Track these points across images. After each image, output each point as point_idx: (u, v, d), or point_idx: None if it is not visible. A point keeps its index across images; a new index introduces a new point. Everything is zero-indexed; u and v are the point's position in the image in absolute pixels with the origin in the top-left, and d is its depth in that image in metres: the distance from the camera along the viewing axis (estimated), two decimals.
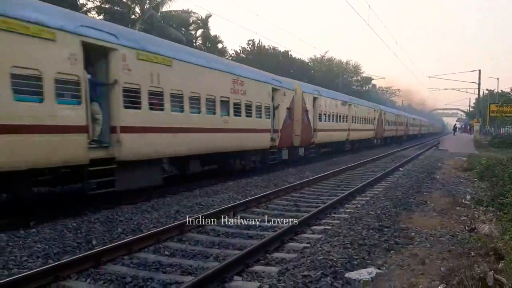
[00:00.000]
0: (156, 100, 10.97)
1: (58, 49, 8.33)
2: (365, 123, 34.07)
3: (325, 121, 24.57)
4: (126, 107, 9.96)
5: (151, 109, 10.76)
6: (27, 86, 7.80)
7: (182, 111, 12.00)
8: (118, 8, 31.87)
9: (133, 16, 32.49)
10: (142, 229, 8.00)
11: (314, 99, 22.74)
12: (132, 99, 10.13)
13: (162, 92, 11.12)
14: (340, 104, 27.45)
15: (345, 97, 30.33)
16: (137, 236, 7.13)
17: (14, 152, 7.61)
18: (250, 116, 15.91)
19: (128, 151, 9.94)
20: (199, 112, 12.73)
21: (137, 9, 33.25)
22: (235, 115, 14.76)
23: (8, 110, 7.47)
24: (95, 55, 9.60)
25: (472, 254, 6.05)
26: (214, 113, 13.53)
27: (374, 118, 36.89)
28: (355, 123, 30.72)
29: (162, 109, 11.16)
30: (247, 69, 17.35)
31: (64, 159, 8.55)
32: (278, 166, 18.67)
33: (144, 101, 10.52)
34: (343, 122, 27.85)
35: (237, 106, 14.92)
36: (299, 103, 20.67)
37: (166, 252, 6.80)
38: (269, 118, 17.54)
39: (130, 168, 10.20)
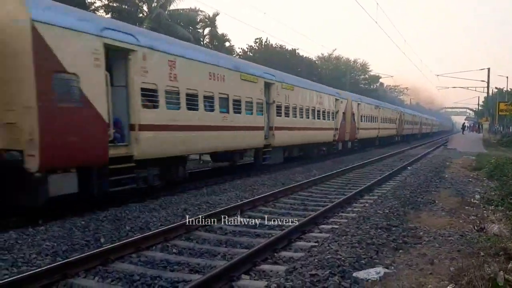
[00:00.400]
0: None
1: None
2: (390, 123, 40.14)
3: (365, 121, 31.71)
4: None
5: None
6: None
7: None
8: (126, 7, 31.95)
9: (140, 15, 32.57)
10: (150, 227, 8.03)
11: (358, 105, 29.92)
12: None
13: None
14: (374, 108, 34.72)
15: (376, 102, 37.60)
16: (145, 234, 7.15)
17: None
18: (325, 119, 23.92)
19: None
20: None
21: (145, 8, 33.31)
22: (317, 118, 22.76)
23: None
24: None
25: (482, 254, 6.00)
26: (302, 117, 20.86)
27: (396, 119, 42.56)
28: (383, 122, 37.39)
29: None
30: (321, 87, 25.57)
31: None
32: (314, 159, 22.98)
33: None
34: (375, 122, 34.91)
35: (318, 112, 22.86)
36: (349, 108, 27.95)
37: (174, 251, 6.82)
38: (334, 119, 25.52)
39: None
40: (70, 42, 8.46)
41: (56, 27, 8.15)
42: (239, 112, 14.82)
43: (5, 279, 5.18)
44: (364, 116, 31.70)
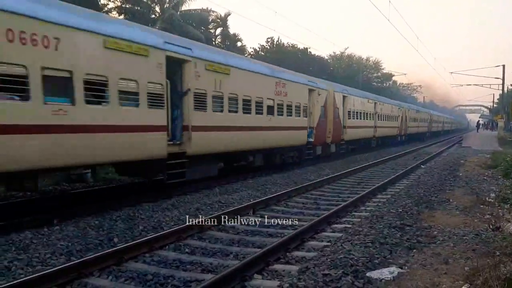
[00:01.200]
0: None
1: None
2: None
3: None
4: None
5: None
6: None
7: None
8: (139, 8, 32.14)
9: (153, 16, 32.72)
10: (163, 227, 8.07)
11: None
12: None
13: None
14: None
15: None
16: (158, 234, 7.19)
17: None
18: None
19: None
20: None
21: (157, 9, 33.45)
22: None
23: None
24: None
25: (497, 253, 5.92)
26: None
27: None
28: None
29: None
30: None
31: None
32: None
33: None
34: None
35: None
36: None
37: (187, 250, 6.84)
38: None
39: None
40: None
41: None
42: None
43: (20, 278, 5.24)
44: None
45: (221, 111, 12.78)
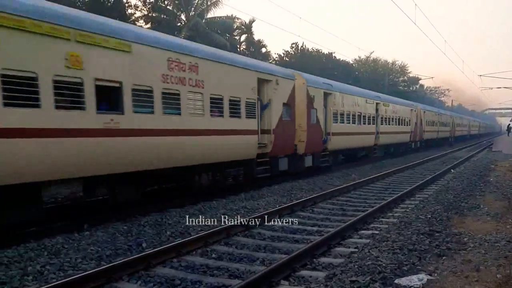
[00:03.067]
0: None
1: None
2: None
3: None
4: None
5: None
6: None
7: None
8: (165, 16, 32.68)
9: (179, 24, 33.21)
10: (190, 232, 8.15)
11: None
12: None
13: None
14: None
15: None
16: (186, 239, 7.27)
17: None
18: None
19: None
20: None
21: (183, 17, 33.96)
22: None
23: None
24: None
25: None
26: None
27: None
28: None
29: None
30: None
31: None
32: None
33: None
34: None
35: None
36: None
37: (214, 255, 6.89)
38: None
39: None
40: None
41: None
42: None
43: (52, 282, 5.37)
44: (342, 114, 19.81)
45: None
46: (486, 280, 5.15)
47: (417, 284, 5.05)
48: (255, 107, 13.26)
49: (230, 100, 12.06)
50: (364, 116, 22.47)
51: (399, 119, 28.58)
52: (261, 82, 13.68)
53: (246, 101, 12.79)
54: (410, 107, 31.78)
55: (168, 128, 9.93)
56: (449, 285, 5.06)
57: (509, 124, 72.66)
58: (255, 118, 13.29)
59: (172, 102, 10.01)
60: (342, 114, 19.78)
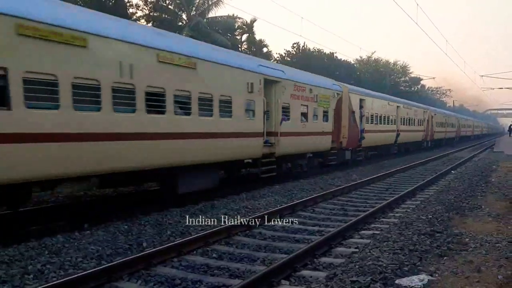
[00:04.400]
0: None
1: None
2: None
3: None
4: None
5: None
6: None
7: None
8: (166, 16, 32.69)
9: (180, 23, 33.22)
10: (191, 232, 8.14)
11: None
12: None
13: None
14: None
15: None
16: (186, 239, 7.26)
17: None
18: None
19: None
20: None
21: (184, 16, 33.96)
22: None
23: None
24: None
25: None
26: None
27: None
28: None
29: None
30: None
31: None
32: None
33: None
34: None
35: None
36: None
37: (214, 255, 6.88)
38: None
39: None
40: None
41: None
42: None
43: (53, 281, 5.37)
44: (371, 115, 23.55)
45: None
46: (487, 281, 5.14)
47: (418, 285, 5.04)
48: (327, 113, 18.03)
49: (313, 110, 16.70)
50: (388, 117, 26.26)
51: (414, 120, 32.38)
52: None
53: (324, 111, 17.61)
54: (423, 109, 35.48)
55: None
56: (450, 285, 5.05)
57: (511, 125, 72.61)
58: (328, 122, 18.00)
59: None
60: (372, 116, 23.45)
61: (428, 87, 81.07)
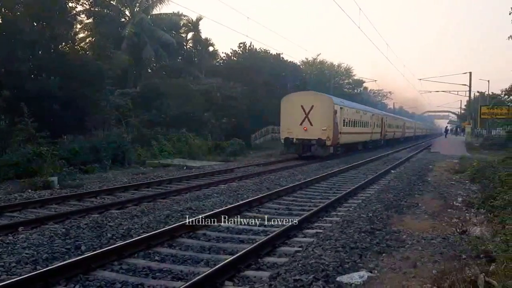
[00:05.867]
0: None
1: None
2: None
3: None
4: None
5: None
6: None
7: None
8: (108, 12, 31.72)
9: (123, 19, 32.37)
10: (132, 234, 7.91)
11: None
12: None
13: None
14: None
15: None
16: (127, 241, 7.04)
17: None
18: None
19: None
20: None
21: (127, 12, 33.14)
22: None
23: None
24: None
25: (464, 256, 6.06)
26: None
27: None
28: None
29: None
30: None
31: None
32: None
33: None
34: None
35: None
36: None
37: (157, 258, 6.72)
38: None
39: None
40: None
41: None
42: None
43: None
44: (348, 120, 31.56)
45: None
46: (423, 276, 5.36)
47: (357, 281, 5.17)
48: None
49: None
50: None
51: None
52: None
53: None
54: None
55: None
56: (388, 281, 5.22)
57: (446, 127, 76.60)
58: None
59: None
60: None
61: (370, 90, 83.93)
